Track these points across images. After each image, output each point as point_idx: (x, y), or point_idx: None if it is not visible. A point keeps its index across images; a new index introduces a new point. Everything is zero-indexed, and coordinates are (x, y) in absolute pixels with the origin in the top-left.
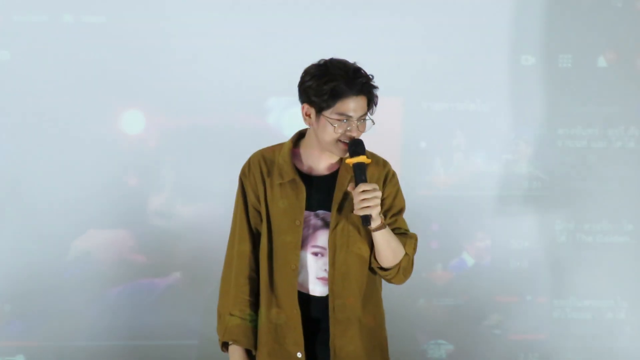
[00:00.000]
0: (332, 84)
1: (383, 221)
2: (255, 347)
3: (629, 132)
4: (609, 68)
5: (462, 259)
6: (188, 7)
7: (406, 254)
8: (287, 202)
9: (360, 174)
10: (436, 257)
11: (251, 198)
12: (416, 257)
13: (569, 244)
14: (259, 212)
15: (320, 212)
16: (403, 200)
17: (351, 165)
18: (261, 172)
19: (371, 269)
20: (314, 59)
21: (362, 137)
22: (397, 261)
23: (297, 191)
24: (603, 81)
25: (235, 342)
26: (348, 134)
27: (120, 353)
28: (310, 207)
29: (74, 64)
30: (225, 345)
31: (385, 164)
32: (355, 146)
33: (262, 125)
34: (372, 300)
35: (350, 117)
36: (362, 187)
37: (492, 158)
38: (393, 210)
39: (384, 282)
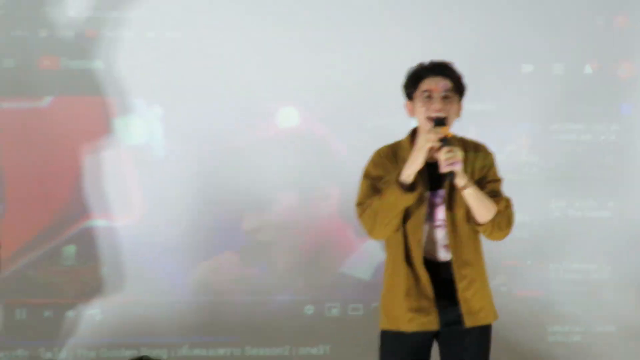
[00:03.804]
0: (414, 71)
1: (468, 180)
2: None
3: (610, 128)
4: (594, 74)
5: None
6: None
7: (498, 211)
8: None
9: (445, 144)
10: None
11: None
12: None
13: (562, 218)
14: None
15: (440, 191)
16: (498, 175)
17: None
18: (391, 161)
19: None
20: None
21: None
22: (490, 216)
23: (422, 176)
24: (589, 85)
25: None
26: (432, 107)
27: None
28: (431, 187)
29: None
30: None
31: (484, 147)
32: (438, 121)
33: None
34: (481, 259)
35: (431, 92)
36: (446, 148)
37: (498, 148)
38: (488, 178)
39: None
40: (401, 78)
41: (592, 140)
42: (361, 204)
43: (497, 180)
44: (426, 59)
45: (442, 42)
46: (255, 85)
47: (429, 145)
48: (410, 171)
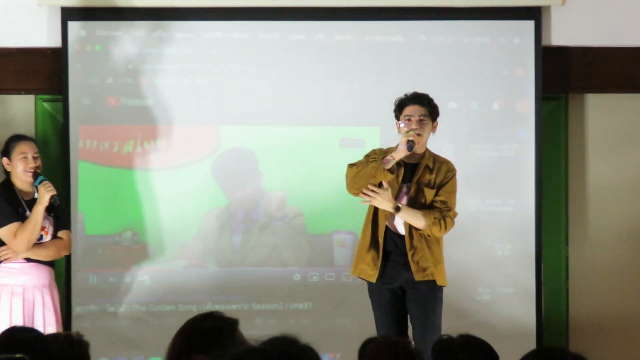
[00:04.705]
0: (400, 100)
1: (400, 205)
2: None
3: (511, 147)
4: (500, 109)
5: None
6: None
7: (431, 221)
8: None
9: (410, 145)
10: None
11: None
12: None
13: (477, 211)
14: None
15: (409, 184)
16: (453, 187)
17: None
18: (382, 155)
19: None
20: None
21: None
22: (422, 225)
23: (398, 170)
24: (496, 117)
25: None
26: (411, 127)
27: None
28: (405, 180)
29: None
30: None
31: (449, 163)
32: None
33: None
34: (433, 237)
35: (411, 116)
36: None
37: None
38: (443, 189)
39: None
40: (359, 115)
41: (498, 156)
42: (353, 164)
43: (451, 192)
44: (383, 98)
45: (390, 86)
46: (264, 114)
47: (405, 139)
48: (393, 155)
